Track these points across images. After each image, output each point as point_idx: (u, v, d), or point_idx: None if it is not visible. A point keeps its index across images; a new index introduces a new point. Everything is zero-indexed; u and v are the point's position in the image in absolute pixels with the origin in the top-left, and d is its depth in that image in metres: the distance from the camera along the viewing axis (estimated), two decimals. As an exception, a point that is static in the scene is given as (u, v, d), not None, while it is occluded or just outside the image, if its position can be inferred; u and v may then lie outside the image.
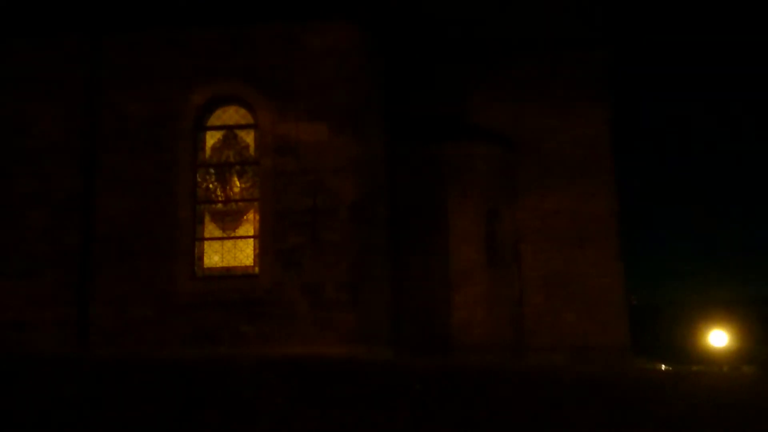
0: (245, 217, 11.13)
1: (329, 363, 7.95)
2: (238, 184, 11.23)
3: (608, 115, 13.48)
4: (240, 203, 11.17)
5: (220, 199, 11.16)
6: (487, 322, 12.20)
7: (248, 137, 11.33)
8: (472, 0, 12.36)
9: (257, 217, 10.98)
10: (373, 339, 10.65)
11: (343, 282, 10.59)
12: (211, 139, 11.33)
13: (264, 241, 10.80)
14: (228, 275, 10.90)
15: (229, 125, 11.34)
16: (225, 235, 11.06)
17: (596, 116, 13.37)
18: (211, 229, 11.10)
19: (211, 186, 11.20)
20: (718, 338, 26.99)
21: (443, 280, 12.27)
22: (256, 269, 10.84)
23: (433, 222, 12.43)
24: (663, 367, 21.68)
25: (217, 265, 10.98)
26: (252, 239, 10.99)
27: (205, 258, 10.99)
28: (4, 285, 10.79)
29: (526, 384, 7.52)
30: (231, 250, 11.03)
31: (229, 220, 11.13)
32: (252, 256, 10.94)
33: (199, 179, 11.15)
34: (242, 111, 11.35)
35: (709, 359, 26.19)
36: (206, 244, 11.03)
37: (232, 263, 10.97)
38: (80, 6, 11.27)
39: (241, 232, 11.08)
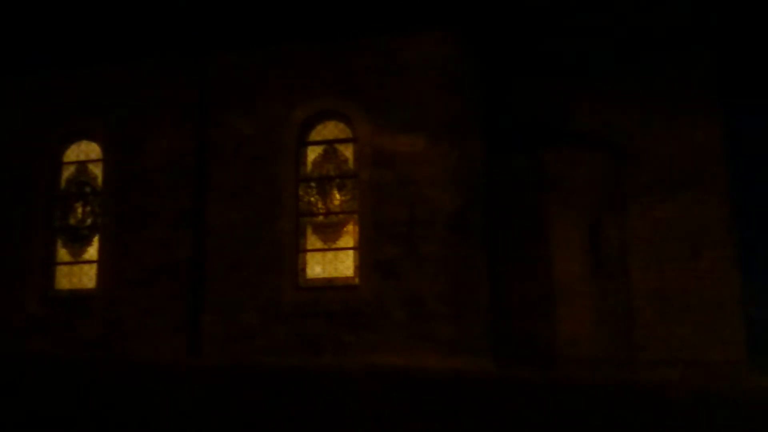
0: (345, 229, 11.31)
1: (431, 374, 7.92)
2: (338, 196, 11.44)
3: (720, 118, 12.74)
4: (340, 215, 11.36)
5: (321, 211, 11.40)
6: (593, 335, 11.76)
7: (347, 151, 11.54)
8: (571, 3, 12.01)
9: (357, 229, 11.14)
10: (473, 351, 10.51)
11: (442, 293, 10.55)
12: (312, 153, 11.61)
13: (363, 252, 10.94)
14: (329, 286, 11.09)
15: (329, 140, 11.59)
16: (326, 247, 11.28)
17: (707, 120, 12.66)
18: (313, 240, 11.36)
19: (312, 199, 11.47)
20: None
21: (545, 292, 11.94)
22: (357, 280, 10.98)
23: (534, 232, 12.14)
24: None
25: (319, 276, 11.20)
26: (352, 251, 11.15)
27: (307, 269, 11.24)
28: (123, 294, 11.48)
29: (636, 400, 7.20)
30: (332, 262, 11.23)
31: (329, 232, 11.34)
32: (352, 268, 11.09)
33: (301, 193, 11.45)
34: (341, 125, 11.59)
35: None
36: (308, 255, 11.29)
37: (333, 274, 11.16)
38: (189, 29, 11.88)
39: (341, 243, 11.27)
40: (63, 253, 12.16)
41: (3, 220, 12.10)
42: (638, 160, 12.61)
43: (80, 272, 12.03)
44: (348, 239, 11.24)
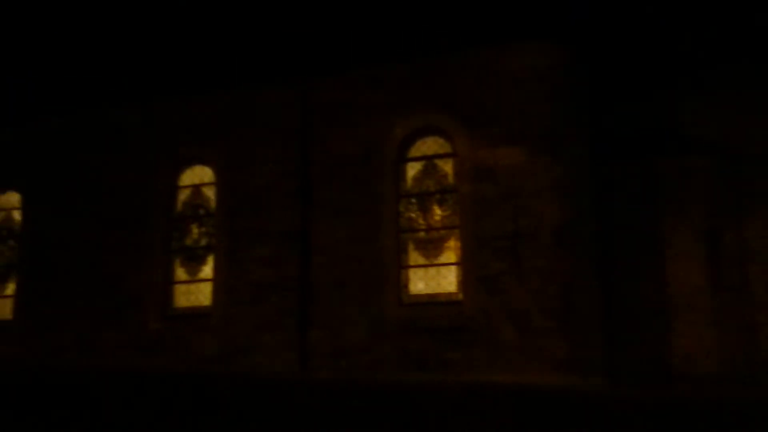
0: (447, 245, 11.27)
1: (540, 392, 7.73)
2: (438, 212, 11.43)
3: None
4: (441, 231, 11.34)
5: (422, 227, 11.44)
6: (714, 351, 11.07)
7: (447, 166, 11.53)
8: (677, 4, 11.49)
9: (458, 244, 11.09)
10: (583, 368, 10.16)
11: (550, 308, 10.28)
12: (412, 170, 11.68)
13: (466, 267, 10.85)
14: (432, 302, 11.07)
15: (428, 155, 11.62)
16: (428, 263, 11.30)
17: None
18: (415, 257, 11.39)
19: (413, 215, 11.52)
20: None
21: (660, 305, 11.37)
22: (460, 296, 10.90)
23: (646, 243, 11.60)
24: None
25: (422, 292, 11.21)
26: (454, 266, 11.10)
27: (410, 285, 11.29)
28: (234, 312, 11.95)
29: (761, 420, 6.70)
30: (435, 277, 11.22)
31: (431, 247, 11.34)
32: (455, 283, 11.03)
33: (401, 209, 11.53)
34: (440, 140, 11.60)
35: None
36: (411, 271, 11.32)
37: (437, 290, 11.13)
38: (288, 57, 12.31)
39: (443, 259, 11.23)
40: (180, 273, 12.79)
41: (125, 242, 12.87)
42: (755, 167, 11.80)
43: (197, 290, 12.59)
44: (450, 254, 11.19)
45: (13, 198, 14.35)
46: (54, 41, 13.30)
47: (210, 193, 12.89)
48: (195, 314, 12.34)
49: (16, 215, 14.24)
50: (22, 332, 13.29)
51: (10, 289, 13.89)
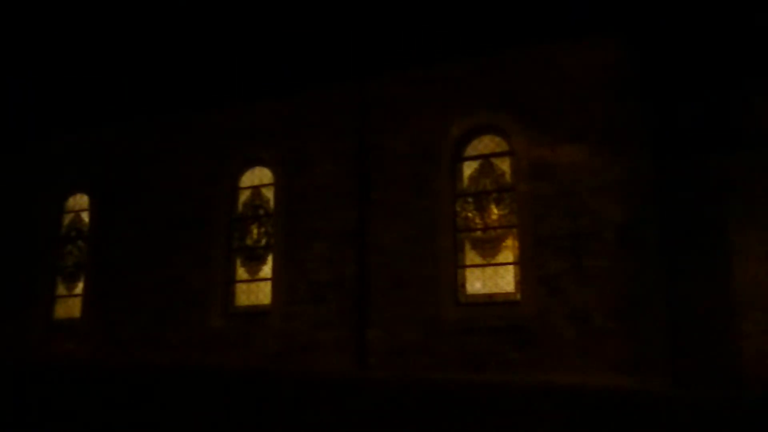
0: (504, 244, 11.18)
1: (603, 394, 7.60)
2: (495, 211, 11.35)
3: None
4: (498, 230, 11.27)
5: (479, 226, 11.38)
6: (785, 353, 10.66)
7: (504, 164, 11.44)
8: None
9: (516, 244, 10.99)
10: (647, 369, 9.93)
11: (612, 309, 10.10)
12: (468, 169, 11.64)
13: (525, 267, 10.74)
14: (490, 302, 11.00)
15: (485, 154, 11.56)
16: (485, 262, 11.24)
17: None
18: (471, 256, 11.34)
19: (470, 215, 11.47)
20: None
21: (728, 305, 11.01)
22: (518, 296, 10.80)
23: (711, 241, 11.25)
24: None
25: (479, 292, 11.16)
26: (512, 266, 11.01)
27: (467, 285, 11.25)
28: (293, 310, 12.13)
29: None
30: (492, 277, 11.15)
31: (488, 247, 11.27)
32: (513, 283, 10.93)
33: (458, 209, 11.50)
34: (497, 139, 11.52)
35: None
36: (468, 271, 11.28)
37: (494, 290, 11.06)
38: (344, 59, 12.42)
39: (500, 258, 11.15)
40: (241, 272, 13.07)
41: (188, 242, 13.26)
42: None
43: (257, 289, 12.85)
44: (508, 254, 11.10)
45: (82, 200, 14.94)
46: (122, 47, 13.76)
47: (269, 193, 13.13)
48: (255, 312, 12.59)
49: (85, 217, 14.81)
50: (90, 330, 13.82)
51: (79, 288, 14.46)
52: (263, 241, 12.97)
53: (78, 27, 13.69)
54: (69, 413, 6.74)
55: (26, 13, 13.84)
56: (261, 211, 13.14)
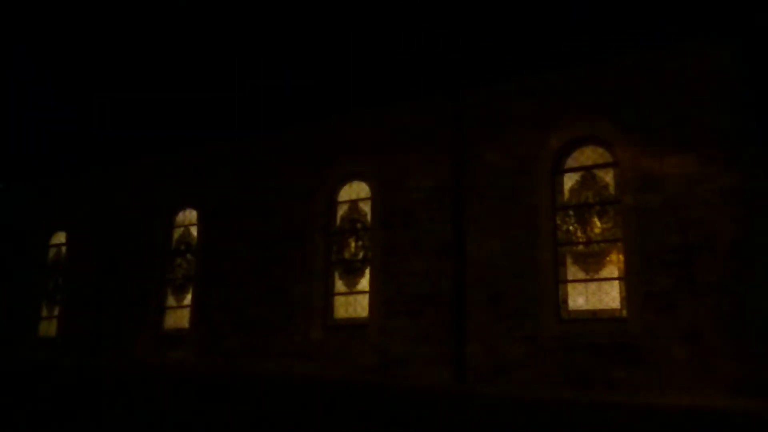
0: (608, 258, 10.82)
1: (718, 416, 7.17)
2: (598, 224, 11.01)
3: None
4: (602, 244, 10.92)
5: (580, 240, 11.07)
6: None
7: (607, 176, 11.10)
8: None
9: (621, 258, 10.60)
10: (762, 391, 9.31)
11: (725, 326, 9.55)
12: (569, 181, 11.36)
13: (630, 282, 10.35)
14: (594, 318, 10.65)
15: (586, 166, 11.26)
16: (588, 277, 10.91)
17: None
18: (574, 271, 11.04)
19: (571, 228, 11.18)
20: None
21: None
22: (624, 312, 10.41)
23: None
24: None
25: (582, 308, 10.84)
26: (617, 281, 10.63)
27: (569, 300, 10.96)
28: (391, 323, 12.19)
29: None
30: (595, 293, 10.80)
31: (591, 261, 10.94)
32: (618, 299, 10.55)
33: (558, 222, 11.25)
34: (600, 150, 11.20)
35: None
36: (570, 286, 10.99)
37: (598, 306, 10.71)
38: (440, 72, 12.46)
39: (604, 273, 10.79)
40: (340, 285, 13.31)
41: (289, 255, 13.63)
42: None
43: (355, 302, 13.01)
44: (612, 269, 10.74)
45: (191, 215, 15.69)
46: (225, 65, 14.43)
47: (366, 207, 13.32)
48: (353, 325, 12.75)
49: (193, 231, 15.54)
50: (197, 339, 14.44)
51: (187, 299, 15.16)
52: (360, 255, 13.15)
53: (188, 46, 14.48)
54: (181, 422, 7.04)
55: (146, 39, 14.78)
56: (358, 225, 13.35)
